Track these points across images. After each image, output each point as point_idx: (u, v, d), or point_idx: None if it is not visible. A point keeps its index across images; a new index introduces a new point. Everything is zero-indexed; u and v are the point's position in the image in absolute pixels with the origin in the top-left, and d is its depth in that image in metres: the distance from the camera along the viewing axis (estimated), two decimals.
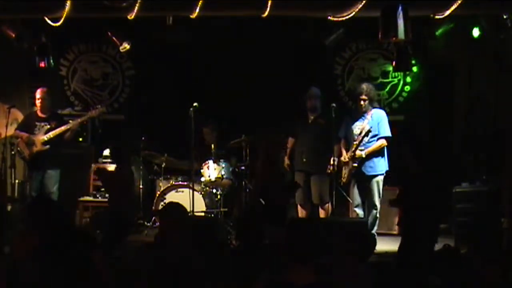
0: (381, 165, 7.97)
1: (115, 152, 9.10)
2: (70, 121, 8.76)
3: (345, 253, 4.37)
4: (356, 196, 8.08)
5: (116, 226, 5.16)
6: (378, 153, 7.94)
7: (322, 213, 8.44)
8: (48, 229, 5.04)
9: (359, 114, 8.07)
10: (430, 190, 7.70)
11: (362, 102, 7.98)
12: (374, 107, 8.07)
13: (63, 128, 8.59)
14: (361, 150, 7.91)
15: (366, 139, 7.88)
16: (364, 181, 7.99)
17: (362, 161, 7.93)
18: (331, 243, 4.52)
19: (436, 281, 4.00)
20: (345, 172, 8.05)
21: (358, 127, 8.00)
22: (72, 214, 9.07)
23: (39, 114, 8.73)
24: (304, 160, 8.67)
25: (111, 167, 9.50)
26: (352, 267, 4.26)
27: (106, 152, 9.67)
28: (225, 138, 9.29)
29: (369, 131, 7.81)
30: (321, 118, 8.68)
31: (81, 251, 4.71)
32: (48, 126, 8.63)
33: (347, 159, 8.01)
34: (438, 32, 8.02)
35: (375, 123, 7.94)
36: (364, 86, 8.07)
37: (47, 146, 8.58)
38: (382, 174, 7.98)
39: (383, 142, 7.93)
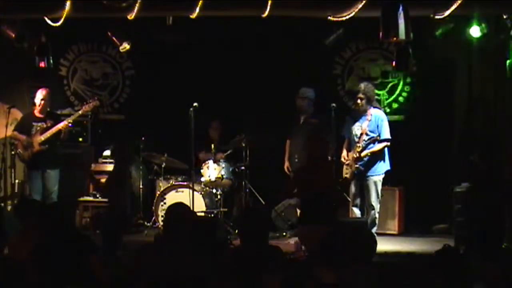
0: (380, 166, 7.95)
1: (117, 151, 9.02)
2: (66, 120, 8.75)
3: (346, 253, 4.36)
4: (354, 196, 8.08)
5: (115, 225, 5.16)
6: (377, 154, 7.92)
7: None
8: (40, 230, 5.05)
9: (359, 113, 8.05)
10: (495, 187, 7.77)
11: (359, 101, 7.97)
12: (374, 107, 8.04)
13: (59, 126, 8.57)
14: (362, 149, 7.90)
15: (364, 141, 7.85)
16: (362, 181, 7.99)
17: (362, 162, 7.91)
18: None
19: (436, 281, 4.00)
20: (347, 171, 8.02)
21: (358, 127, 7.99)
22: (72, 215, 9.06)
23: (37, 114, 8.73)
24: (297, 161, 8.70)
25: (112, 167, 9.49)
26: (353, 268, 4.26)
27: (106, 152, 9.66)
28: (225, 138, 9.31)
29: (376, 139, 7.79)
30: (313, 118, 8.69)
31: (79, 253, 4.71)
32: (45, 126, 8.62)
33: (349, 161, 7.98)
34: (438, 32, 8.01)
35: (374, 125, 7.91)
36: (362, 85, 8.05)
37: (46, 146, 8.58)
38: (381, 175, 7.97)
39: (384, 144, 7.91)
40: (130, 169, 9.16)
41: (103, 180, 9.46)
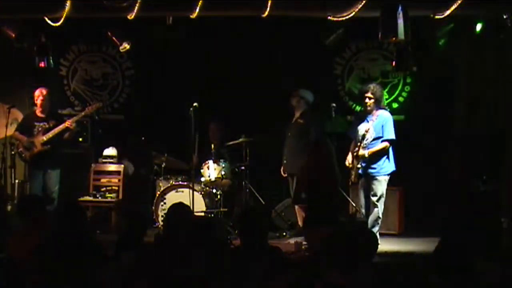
0: (385, 166, 7.93)
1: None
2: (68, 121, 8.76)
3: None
4: (359, 196, 8.06)
5: (135, 227, 5.18)
6: (381, 154, 7.91)
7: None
8: (40, 229, 5.05)
9: (365, 114, 8.04)
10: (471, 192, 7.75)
11: (367, 100, 7.91)
12: (380, 108, 8.02)
13: (61, 127, 8.61)
14: (363, 148, 7.88)
15: (367, 141, 7.85)
16: (368, 181, 7.97)
17: (366, 162, 7.90)
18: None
19: (436, 281, 4.00)
20: (352, 172, 8.02)
21: (362, 128, 7.96)
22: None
23: (38, 114, 8.75)
24: (285, 161, 8.71)
25: (112, 167, 9.49)
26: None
27: (106, 152, 9.65)
28: (225, 138, 9.31)
29: (364, 135, 7.79)
30: (301, 118, 8.69)
31: (80, 253, 4.72)
32: (47, 126, 8.65)
33: (350, 162, 7.97)
34: (439, 32, 8.00)
35: (379, 125, 7.89)
36: (371, 85, 8.00)
37: (48, 146, 8.60)
38: (386, 175, 7.96)
39: (386, 144, 7.89)
40: (147, 170, 9.08)
41: (103, 180, 9.46)
